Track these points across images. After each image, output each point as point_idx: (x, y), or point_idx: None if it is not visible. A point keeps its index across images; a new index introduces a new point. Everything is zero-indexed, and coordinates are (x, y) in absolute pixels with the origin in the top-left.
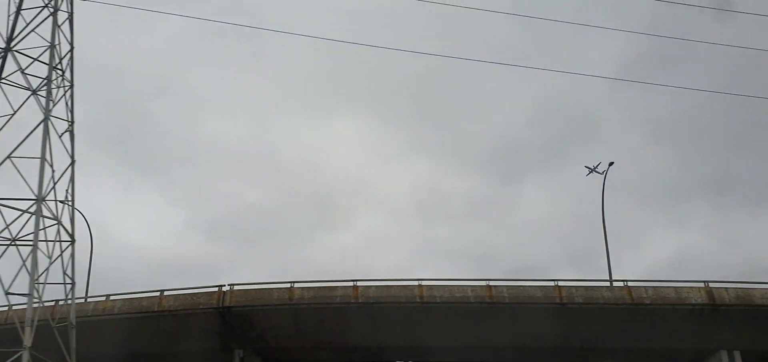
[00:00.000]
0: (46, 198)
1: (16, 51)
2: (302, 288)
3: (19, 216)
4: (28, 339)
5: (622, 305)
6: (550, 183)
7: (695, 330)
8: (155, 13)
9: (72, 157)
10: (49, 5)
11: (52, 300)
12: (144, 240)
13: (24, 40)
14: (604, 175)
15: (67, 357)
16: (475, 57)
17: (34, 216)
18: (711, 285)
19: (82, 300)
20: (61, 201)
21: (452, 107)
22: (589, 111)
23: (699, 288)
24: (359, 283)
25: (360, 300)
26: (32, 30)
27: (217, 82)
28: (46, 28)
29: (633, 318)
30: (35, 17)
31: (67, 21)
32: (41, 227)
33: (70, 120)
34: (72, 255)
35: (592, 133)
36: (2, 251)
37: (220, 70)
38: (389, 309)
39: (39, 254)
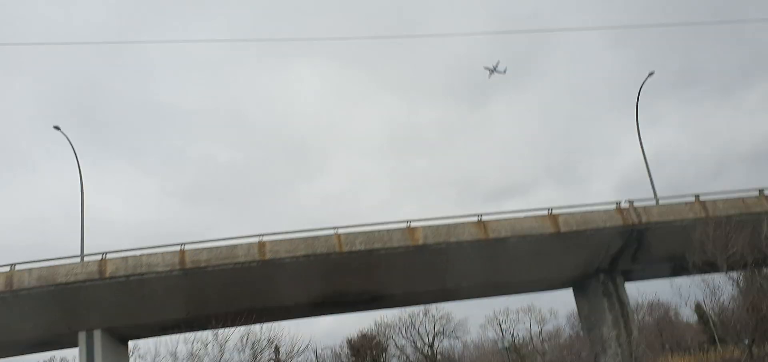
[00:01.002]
0: None
1: None
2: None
3: None
4: None
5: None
6: (516, 100)
7: None
8: None
9: None
10: None
11: None
12: (122, 213)
13: None
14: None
15: None
16: None
17: None
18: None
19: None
20: None
21: (411, 39)
22: (544, 21)
23: None
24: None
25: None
26: None
27: (167, 45)
28: None
29: None
30: None
31: None
32: None
33: None
34: None
35: (551, 44)
36: None
37: (167, 32)
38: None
39: None
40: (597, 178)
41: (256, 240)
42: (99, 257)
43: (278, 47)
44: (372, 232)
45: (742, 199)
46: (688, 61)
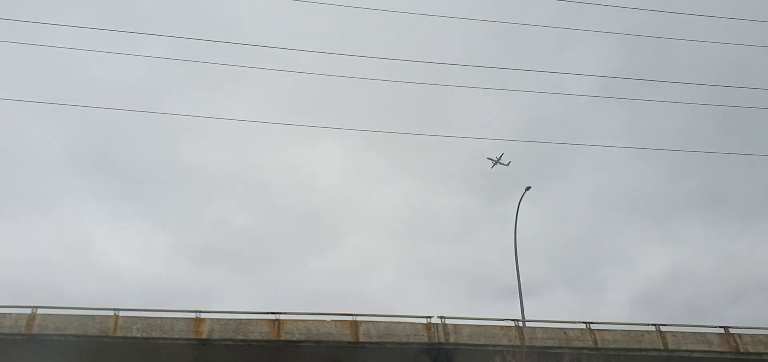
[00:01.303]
0: None
1: None
2: None
3: None
4: None
5: None
6: (538, 199)
7: None
8: (133, 36)
9: None
10: None
11: None
12: (132, 265)
13: None
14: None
15: None
16: (456, 79)
17: None
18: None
19: None
20: None
21: (436, 127)
22: (573, 127)
23: None
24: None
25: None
26: None
27: (198, 106)
28: None
29: None
30: None
31: None
32: None
33: None
34: None
35: (575, 147)
36: None
37: (200, 94)
38: None
39: None
40: (613, 287)
41: None
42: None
43: (306, 121)
44: (154, 318)
45: (564, 331)
46: (714, 181)
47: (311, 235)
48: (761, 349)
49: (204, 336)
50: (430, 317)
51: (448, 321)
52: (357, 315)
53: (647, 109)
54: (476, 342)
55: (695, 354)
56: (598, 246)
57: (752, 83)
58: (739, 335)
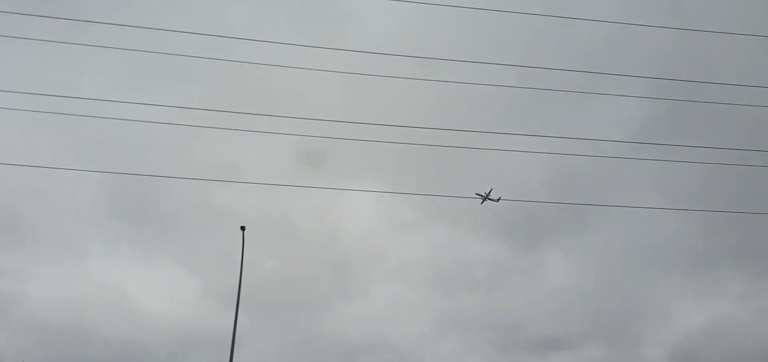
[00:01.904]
0: None
1: None
2: None
3: None
4: None
5: None
6: (571, 249)
7: None
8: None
9: None
10: None
11: None
12: (163, 309)
13: None
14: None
15: None
16: (483, 126)
17: None
18: None
19: None
20: None
21: (465, 174)
22: (605, 177)
23: None
24: None
25: None
26: None
27: (228, 151)
28: None
29: None
30: None
31: None
32: None
33: None
34: None
35: (609, 194)
36: None
37: (230, 139)
38: None
39: None
40: (649, 341)
41: None
42: None
43: (335, 168)
44: None
45: None
46: (753, 233)
47: (339, 281)
48: None
49: None
50: None
51: None
52: None
53: (680, 160)
54: None
55: None
56: (633, 298)
57: None
58: None
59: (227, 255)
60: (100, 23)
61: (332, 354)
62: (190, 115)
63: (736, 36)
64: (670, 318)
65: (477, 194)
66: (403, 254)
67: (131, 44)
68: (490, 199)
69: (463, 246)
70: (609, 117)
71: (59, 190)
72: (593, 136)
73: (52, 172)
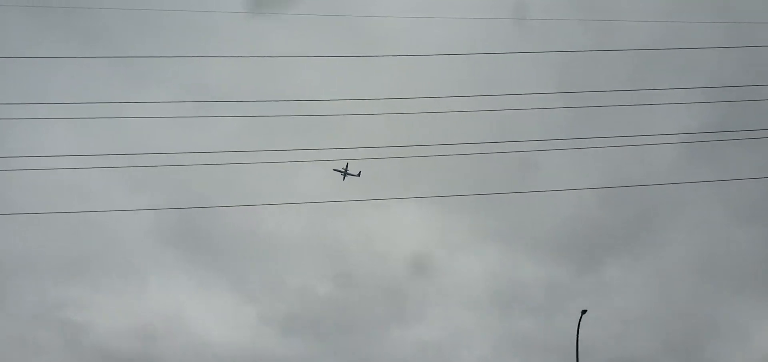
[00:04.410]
0: None
1: None
2: None
3: None
4: None
5: None
6: (633, 268)
7: None
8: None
9: None
10: None
11: None
12: (221, 336)
13: None
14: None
15: None
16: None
17: None
18: None
19: None
20: None
21: (517, 192)
22: (660, 188)
23: None
24: None
25: None
26: None
27: (276, 175)
28: None
29: None
30: None
31: None
32: None
33: None
34: None
35: (669, 208)
36: None
37: (277, 164)
38: None
39: None
40: None
41: None
42: None
43: (383, 188)
44: None
45: None
46: None
47: (394, 304)
48: None
49: None
50: None
51: None
52: None
53: (739, 166)
54: None
55: None
56: (705, 318)
57: None
58: None
59: (279, 281)
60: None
61: None
62: (235, 143)
63: None
64: (749, 339)
65: (335, 170)
66: (457, 276)
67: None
68: (350, 174)
69: (518, 266)
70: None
71: (114, 221)
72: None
73: (107, 201)
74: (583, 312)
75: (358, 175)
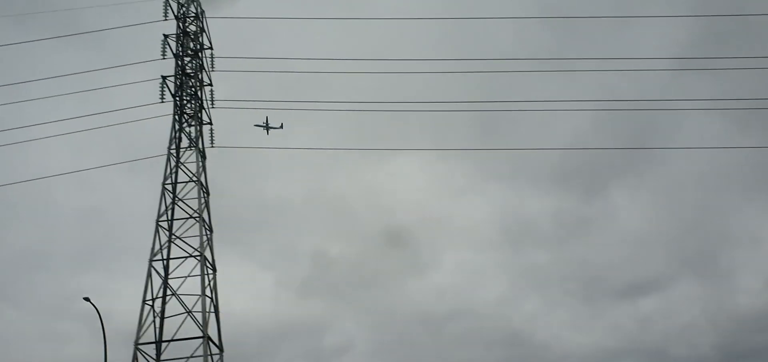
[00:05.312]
0: None
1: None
2: None
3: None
4: None
5: None
6: (638, 188)
7: None
8: None
9: None
10: None
11: None
12: (241, 306)
13: None
14: None
15: None
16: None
17: None
18: None
19: None
20: None
21: (511, 128)
22: (654, 105)
23: None
24: None
25: None
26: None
27: (268, 139)
28: None
29: None
30: None
31: None
32: None
33: None
34: None
35: (666, 126)
36: None
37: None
38: None
39: None
40: (743, 270)
41: None
42: None
43: (378, 142)
44: None
45: None
46: None
47: (407, 256)
48: None
49: None
50: None
51: None
52: None
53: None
54: None
55: None
56: (717, 228)
57: None
58: None
59: (290, 245)
60: None
61: (417, 328)
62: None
63: None
64: (762, 242)
65: (256, 125)
66: (464, 219)
67: None
68: (272, 128)
69: (524, 201)
70: (650, 42)
71: (126, 201)
72: (634, 64)
73: (123, 184)
74: None
75: (281, 127)
